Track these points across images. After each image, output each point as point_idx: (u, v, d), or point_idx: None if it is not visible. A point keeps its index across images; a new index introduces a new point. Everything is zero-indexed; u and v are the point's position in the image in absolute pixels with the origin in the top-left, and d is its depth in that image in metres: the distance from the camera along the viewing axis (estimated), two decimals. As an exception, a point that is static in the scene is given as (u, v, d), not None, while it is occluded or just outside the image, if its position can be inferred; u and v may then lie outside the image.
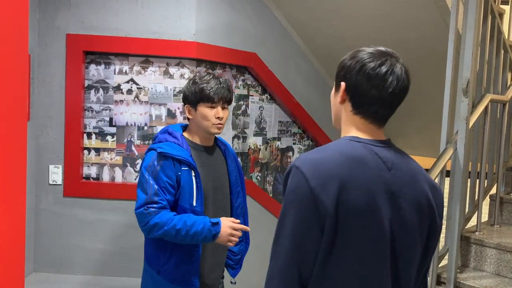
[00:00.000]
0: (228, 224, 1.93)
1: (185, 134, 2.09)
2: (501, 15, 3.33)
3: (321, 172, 1.10)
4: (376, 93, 1.16)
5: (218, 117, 2.01)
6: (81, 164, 2.94)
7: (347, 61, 1.21)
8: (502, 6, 3.44)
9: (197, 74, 2.08)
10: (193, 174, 1.96)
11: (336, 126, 1.30)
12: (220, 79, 2.06)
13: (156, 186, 1.92)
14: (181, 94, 2.11)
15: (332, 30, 3.37)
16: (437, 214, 1.23)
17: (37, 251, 2.92)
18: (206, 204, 2.03)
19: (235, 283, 2.25)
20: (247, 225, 2.24)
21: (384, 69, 1.15)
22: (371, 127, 1.21)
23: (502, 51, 3.00)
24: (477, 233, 2.61)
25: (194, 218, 1.90)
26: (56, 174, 2.90)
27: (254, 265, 2.79)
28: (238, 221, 1.97)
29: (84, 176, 2.96)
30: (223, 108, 2.04)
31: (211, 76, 2.05)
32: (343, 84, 1.21)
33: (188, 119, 2.09)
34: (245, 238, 2.27)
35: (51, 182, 2.91)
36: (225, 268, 2.25)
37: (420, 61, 3.36)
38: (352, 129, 1.22)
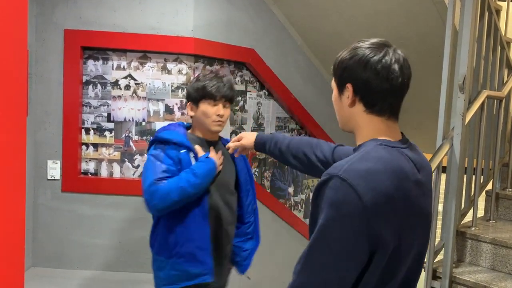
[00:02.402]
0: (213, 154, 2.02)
1: (188, 132, 2.12)
2: (498, 11, 3.33)
3: (371, 186, 1.02)
4: (388, 86, 1.10)
5: (218, 115, 2.03)
6: (79, 160, 2.94)
7: (348, 60, 1.13)
8: (499, 3, 3.45)
9: (201, 72, 2.09)
10: (191, 155, 2.00)
11: (345, 129, 1.23)
12: (224, 77, 2.08)
13: (164, 166, 1.95)
14: (184, 91, 2.12)
15: (330, 27, 3.37)
16: None
17: (35, 246, 2.93)
18: (209, 190, 2.03)
19: (250, 278, 2.23)
20: (258, 225, 2.26)
21: (388, 59, 1.10)
22: (389, 124, 1.15)
23: (499, 48, 3.00)
24: (472, 228, 2.63)
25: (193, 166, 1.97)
26: (54, 170, 2.91)
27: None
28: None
29: (82, 171, 2.96)
30: (224, 106, 2.06)
31: (214, 74, 2.08)
32: (349, 86, 1.13)
33: (191, 117, 2.12)
34: (255, 236, 2.25)
35: (49, 178, 2.91)
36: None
37: (417, 57, 3.36)
38: (373, 131, 1.14)
